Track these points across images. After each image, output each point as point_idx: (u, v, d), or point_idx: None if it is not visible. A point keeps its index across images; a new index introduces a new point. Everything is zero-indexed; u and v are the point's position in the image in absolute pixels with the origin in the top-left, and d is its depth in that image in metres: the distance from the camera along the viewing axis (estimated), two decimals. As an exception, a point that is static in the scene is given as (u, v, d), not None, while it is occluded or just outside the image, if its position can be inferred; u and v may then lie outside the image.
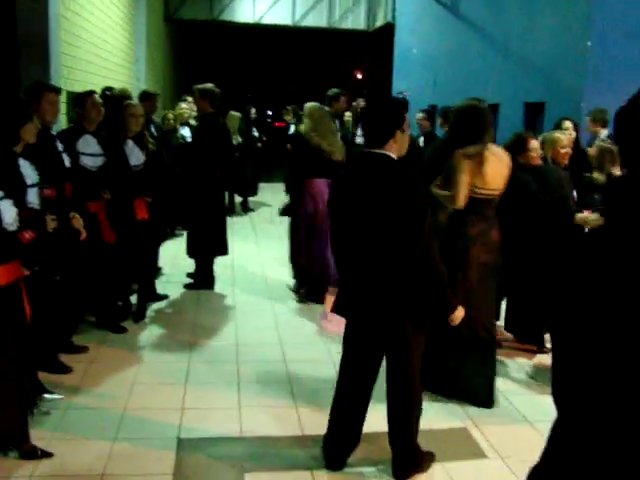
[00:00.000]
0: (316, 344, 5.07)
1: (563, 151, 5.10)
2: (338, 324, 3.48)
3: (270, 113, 26.96)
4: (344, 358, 3.29)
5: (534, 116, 8.28)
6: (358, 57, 28.25)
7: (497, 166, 4.09)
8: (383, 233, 2.99)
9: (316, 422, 3.70)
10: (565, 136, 5.26)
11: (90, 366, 4.47)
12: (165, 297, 6.04)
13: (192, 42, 23.18)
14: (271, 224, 9.96)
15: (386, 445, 3.31)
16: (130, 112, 5.24)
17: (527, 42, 8.37)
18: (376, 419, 3.38)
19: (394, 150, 3.08)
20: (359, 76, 32.22)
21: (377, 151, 3.06)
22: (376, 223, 2.99)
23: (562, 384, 1.42)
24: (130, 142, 5.23)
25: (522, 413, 4.11)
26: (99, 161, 4.90)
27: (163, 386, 4.19)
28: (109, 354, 4.71)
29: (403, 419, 3.24)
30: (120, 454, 3.37)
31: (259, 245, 8.67)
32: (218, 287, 6.45)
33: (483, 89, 9.46)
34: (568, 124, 5.99)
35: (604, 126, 6.35)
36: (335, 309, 3.27)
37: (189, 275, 6.60)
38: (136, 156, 5.25)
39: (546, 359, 5.05)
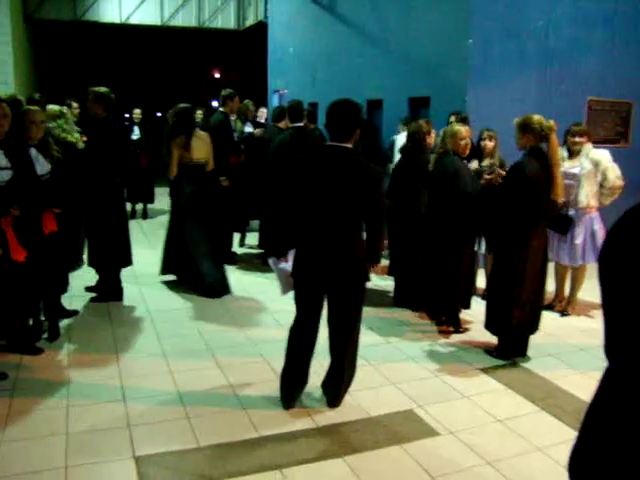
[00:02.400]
0: (245, 346, 5.09)
1: (463, 142, 5.42)
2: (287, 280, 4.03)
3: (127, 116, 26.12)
4: (299, 309, 3.92)
5: (418, 110, 8.68)
6: (228, 56, 28.10)
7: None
8: (351, 206, 3.70)
9: (268, 421, 3.81)
10: (465, 128, 5.58)
11: (13, 395, 4.12)
12: (75, 313, 5.77)
13: (56, 43, 21.99)
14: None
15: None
16: (30, 119, 4.93)
17: (408, 39, 8.71)
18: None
19: (352, 144, 3.78)
20: (232, 75, 31.98)
21: (342, 145, 3.74)
22: (344, 200, 3.68)
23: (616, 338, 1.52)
24: (33, 150, 4.95)
25: (457, 389, 4.38)
26: (6, 175, 4.60)
27: (100, 405, 4.02)
28: (31, 378, 4.40)
29: (352, 351, 4.02)
30: (79, 480, 3.21)
31: (156, 250, 8.48)
32: (126, 297, 6.26)
33: (366, 86, 9.79)
34: (454, 118, 6.38)
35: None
36: (293, 271, 3.89)
37: (89, 289, 6.31)
38: (41, 165, 4.98)
39: (466, 337, 5.41)
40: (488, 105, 7.46)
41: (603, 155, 5.93)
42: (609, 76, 8.39)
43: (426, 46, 8.28)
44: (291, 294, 3.99)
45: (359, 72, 10.01)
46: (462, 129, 5.47)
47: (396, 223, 6.02)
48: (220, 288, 6.49)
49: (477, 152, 6.24)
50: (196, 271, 6.44)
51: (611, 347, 1.52)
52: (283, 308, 5.14)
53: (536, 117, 4.81)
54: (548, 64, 7.89)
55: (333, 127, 3.75)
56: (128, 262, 6.29)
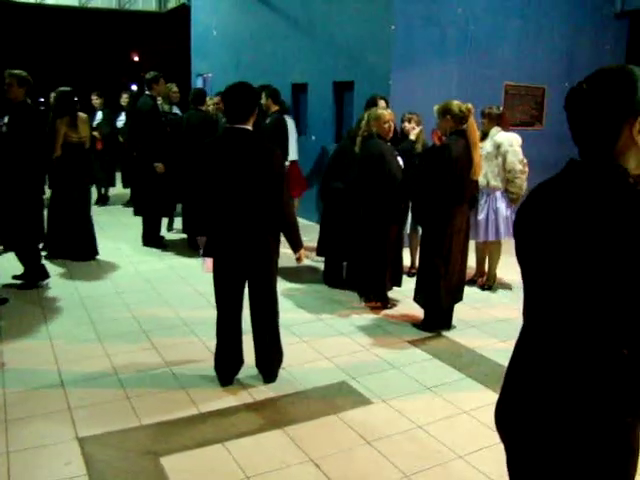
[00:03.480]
0: (179, 328, 5.15)
1: (386, 126, 5.60)
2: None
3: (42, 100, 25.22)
4: (218, 291, 4.04)
5: (342, 94, 8.85)
6: (149, 39, 27.43)
7: None
8: (252, 188, 3.81)
9: (207, 398, 3.92)
10: (388, 112, 5.77)
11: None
12: (5, 301, 5.66)
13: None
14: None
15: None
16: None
17: (333, 24, 8.81)
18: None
19: (251, 125, 3.92)
20: (153, 58, 31.23)
21: (241, 126, 3.87)
22: (246, 181, 3.80)
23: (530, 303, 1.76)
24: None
25: (387, 361, 4.59)
26: None
27: (39, 391, 3.99)
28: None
29: (273, 327, 4.17)
30: (20, 468, 3.18)
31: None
32: (56, 283, 6.19)
33: (291, 70, 9.87)
34: (382, 103, 6.52)
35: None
36: (208, 253, 4.01)
37: (16, 277, 6.19)
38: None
39: (394, 312, 5.64)
40: (411, 89, 7.70)
41: (506, 138, 6.15)
42: (524, 62, 8.80)
43: (350, 31, 8.42)
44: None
45: (284, 56, 10.07)
46: (385, 112, 5.64)
47: (329, 204, 6.20)
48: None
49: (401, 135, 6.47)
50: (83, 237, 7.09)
51: (525, 307, 1.76)
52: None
53: (455, 102, 5.05)
54: (467, 50, 8.20)
55: (230, 110, 3.90)
56: (41, 238, 6.41)
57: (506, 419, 1.80)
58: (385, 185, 5.39)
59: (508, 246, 6.97)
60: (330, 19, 8.88)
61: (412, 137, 6.10)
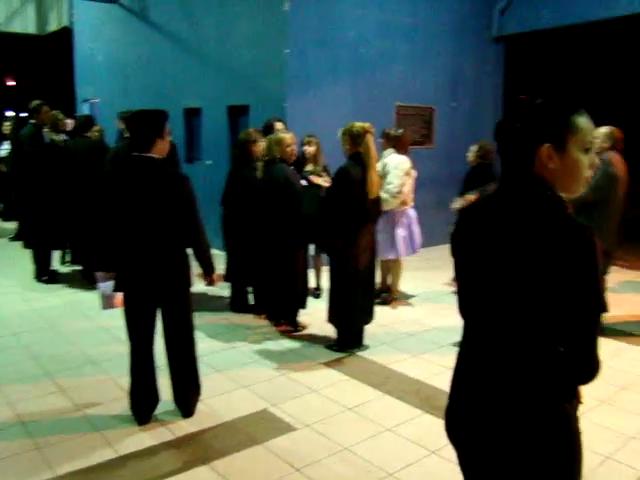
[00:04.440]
0: (86, 366, 4.90)
1: (289, 149, 5.63)
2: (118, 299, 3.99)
3: None
4: (130, 325, 3.86)
5: (238, 118, 8.81)
6: (28, 63, 26.13)
7: None
8: (161, 218, 3.70)
9: (125, 439, 3.76)
10: (289, 135, 5.80)
11: None
12: None
13: None
14: None
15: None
16: None
17: (225, 48, 8.76)
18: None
19: (157, 153, 3.75)
20: (32, 83, 29.77)
21: (146, 155, 3.72)
22: (152, 213, 3.69)
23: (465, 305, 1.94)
24: None
25: (305, 384, 4.57)
26: None
27: None
28: None
29: (190, 360, 4.05)
30: None
31: None
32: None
33: (183, 94, 9.73)
34: (280, 125, 6.56)
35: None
36: (118, 287, 3.84)
37: None
38: None
39: (306, 335, 5.63)
40: (307, 112, 7.80)
41: (392, 159, 6.33)
42: (413, 84, 9.14)
43: (244, 55, 8.42)
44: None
45: (175, 80, 9.92)
46: (287, 136, 5.67)
47: (230, 230, 6.13)
48: None
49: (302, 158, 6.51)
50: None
51: (461, 306, 1.95)
52: (119, 324, 4.96)
53: (357, 124, 5.14)
54: (360, 72, 8.41)
55: (133, 138, 3.81)
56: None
57: (455, 424, 1.91)
58: (292, 210, 5.40)
59: (409, 262, 7.20)
60: (222, 42, 8.85)
61: (309, 168, 6.24)
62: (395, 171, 6.25)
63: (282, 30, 7.71)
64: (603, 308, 1.63)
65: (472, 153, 6.96)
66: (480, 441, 1.80)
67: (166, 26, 10.09)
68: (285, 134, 5.75)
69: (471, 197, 6.68)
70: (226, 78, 8.82)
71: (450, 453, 3.54)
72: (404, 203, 6.46)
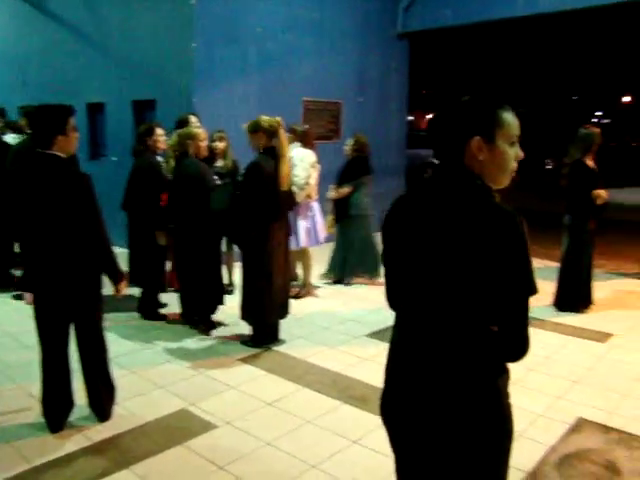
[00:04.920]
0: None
1: (203, 144, 5.59)
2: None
3: None
4: (41, 330, 3.71)
5: (144, 113, 8.61)
6: None
7: None
8: (64, 218, 3.55)
9: (39, 449, 3.63)
10: (202, 130, 5.75)
11: None
12: None
13: None
14: None
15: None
16: None
17: (130, 41, 8.53)
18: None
19: (59, 150, 3.59)
20: None
21: (48, 152, 3.57)
22: (52, 213, 3.53)
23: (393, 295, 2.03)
24: None
25: (223, 382, 4.56)
26: None
27: None
28: None
29: (102, 363, 3.93)
30: None
31: None
32: None
33: (85, 88, 9.40)
34: (194, 119, 6.48)
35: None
36: (23, 287, 3.79)
37: None
38: None
39: (221, 332, 5.61)
40: (215, 107, 7.73)
41: (298, 153, 6.42)
42: (320, 79, 9.24)
43: (149, 48, 8.24)
44: None
45: (77, 74, 9.56)
46: (200, 131, 5.63)
47: (134, 231, 5.97)
48: None
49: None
50: None
51: (390, 294, 2.03)
52: (25, 329, 4.79)
53: (263, 117, 5.16)
54: (268, 67, 8.43)
55: (34, 134, 3.72)
56: None
57: (391, 408, 1.97)
58: (206, 205, 5.35)
59: (316, 254, 7.30)
60: (126, 34, 8.62)
61: (220, 164, 6.22)
62: (301, 164, 6.36)
63: (189, 23, 7.61)
64: (533, 290, 1.73)
65: (348, 147, 7.17)
66: (417, 422, 1.87)
67: (65, 17, 9.70)
68: (198, 129, 5.70)
69: (345, 190, 6.91)
70: (131, 72, 8.59)
71: (371, 442, 3.68)
72: (309, 196, 6.59)
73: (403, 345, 1.93)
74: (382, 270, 2.06)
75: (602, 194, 6.23)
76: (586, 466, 3.57)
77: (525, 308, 1.74)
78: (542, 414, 4.13)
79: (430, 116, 1.96)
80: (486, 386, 1.80)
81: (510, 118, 1.82)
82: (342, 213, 7.08)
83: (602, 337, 5.74)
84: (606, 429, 4.02)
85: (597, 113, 50.49)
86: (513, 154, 1.84)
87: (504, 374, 1.85)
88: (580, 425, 4.05)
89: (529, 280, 1.71)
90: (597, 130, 6.38)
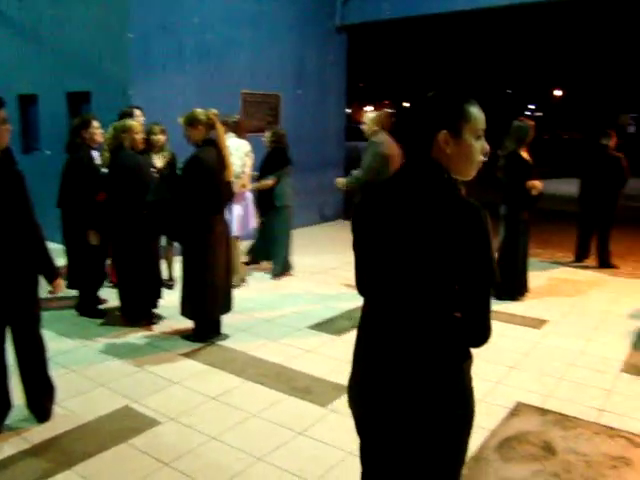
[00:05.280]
0: None
1: (138, 137, 5.50)
2: None
3: None
4: None
5: (79, 105, 8.38)
6: None
7: None
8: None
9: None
10: (138, 122, 5.66)
11: None
12: None
13: None
14: None
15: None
16: None
17: (62, 30, 8.24)
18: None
19: None
20: None
21: None
22: None
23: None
24: None
25: (166, 377, 4.51)
26: None
27: None
28: None
29: (40, 363, 3.82)
30: None
31: None
32: None
33: (16, 80, 9.07)
34: (138, 112, 6.41)
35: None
36: None
37: None
38: None
39: (162, 328, 5.54)
40: (152, 99, 7.58)
41: (233, 143, 6.45)
42: (259, 71, 9.19)
43: (84, 39, 8.00)
44: None
45: (6, 64, 9.22)
46: (135, 123, 5.55)
47: (69, 229, 5.80)
48: None
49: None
50: None
51: (359, 281, 2.08)
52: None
53: (199, 110, 5.12)
54: (205, 59, 8.32)
55: None
56: None
57: (357, 392, 2.04)
58: (143, 199, 5.26)
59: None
60: (59, 25, 8.34)
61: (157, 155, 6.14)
62: (236, 153, 6.41)
63: (124, 13, 7.43)
64: (495, 279, 1.80)
65: (267, 139, 7.23)
66: (383, 406, 1.92)
67: (-6, 6, 9.34)
68: (133, 121, 5.61)
69: (269, 182, 6.95)
70: (65, 63, 8.34)
71: (316, 432, 3.72)
72: (243, 185, 6.66)
73: (371, 331, 1.99)
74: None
75: (537, 185, 6.43)
76: (525, 447, 3.71)
77: (487, 296, 1.83)
78: (482, 399, 4.25)
79: (368, 108, 2.01)
80: (451, 370, 1.88)
81: (476, 112, 1.87)
82: (267, 205, 7.09)
83: (538, 324, 5.94)
84: (543, 411, 4.17)
85: (530, 106, 51.94)
86: (479, 147, 1.90)
87: (468, 359, 1.94)
88: (518, 409, 4.19)
89: (491, 270, 1.78)
90: (531, 122, 6.57)
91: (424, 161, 1.87)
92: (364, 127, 6.41)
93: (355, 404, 2.06)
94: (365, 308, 2.05)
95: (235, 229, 6.61)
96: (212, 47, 8.39)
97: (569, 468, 3.51)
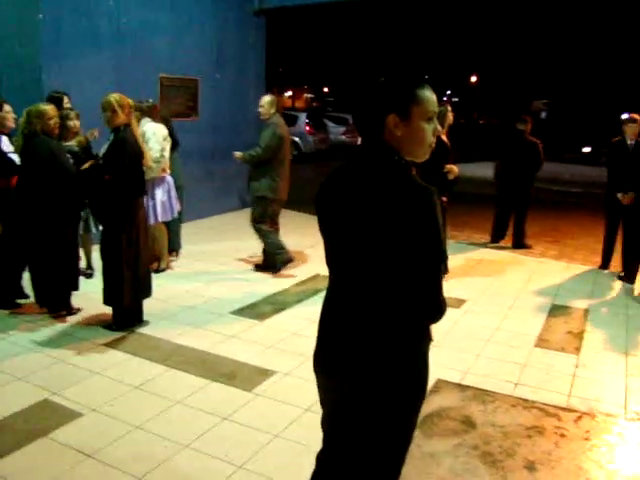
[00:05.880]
0: None
1: (52, 122, 5.31)
2: None
3: None
4: None
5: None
6: None
7: None
8: None
9: None
10: (51, 107, 5.44)
11: None
12: None
13: None
14: None
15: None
16: None
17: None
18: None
19: None
20: None
21: None
22: None
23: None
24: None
25: (86, 368, 4.41)
26: None
27: None
28: None
29: None
30: None
31: None
32: None
33: None
34: (67, 98, 6.30)
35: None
36: None
37: None
38: None
39: (81, 317, 5.40)
40: (65, 84, 7.26)
41: (150, 128, 6.44)
42: (177, 55, 9.00)
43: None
44: None
45: None
46: (49, 108, 5.34)
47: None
48: None
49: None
50: None
51: (327, 259, 2.14)
52: None
53: (115, 95, 5.03)
54: (121, 43, 8.07)
55: None
56: None
57: (321, 361, 2.13)
58: (60, 185, 5.11)
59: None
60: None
61: (73, 142, 5.96)
62: (154, 137, 6.40)
63: (33, -6, 7.12)
64: (443, 257, 1.89)
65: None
66: (344, 374, 2.02)
67: None
68: (46, 105, 5.41)
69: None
70: (-32, 44, 7.92)
71: (240, 417, 3.73)
72: (164, 169, 6.61)
73: (334, 305, 2.10)
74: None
75: (454, 169, 6.61)
76: (445, 422, 3.85)
77: (437, 273, 1.90)
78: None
79: (288, 93, 2.08)
80: (408, 346, 1.99)
81: (426, 95, 1.93)
82: None
83: (457, 303, 6.14)
84: (462, 387, 4.33)
85: (447, 92, 53.13)
86: (431, 129, 1.96)
87: (425, 339, 2.05)
88: (439, 386, 4.33)
89: (440, 248, 1.86)
90: (449, 107, 6.74)
91: (375, 144, 1.94)
92: (261, 110, 6.82)
93: (319, 373, 2.16)
94: (330, 282, 2.13)
95: (160, 214, 6.57)
96: (128, 31, 8.14)
97: (488, 440, 3.67)
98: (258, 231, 6.95)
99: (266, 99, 6.83)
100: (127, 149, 4.94)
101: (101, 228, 5.33)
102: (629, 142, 7.23)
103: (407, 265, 1.86)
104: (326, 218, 2.07)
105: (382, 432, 2.02)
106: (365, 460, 2.07)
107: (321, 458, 2.29)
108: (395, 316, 1.94)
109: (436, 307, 1.92)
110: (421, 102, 1.92)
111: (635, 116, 7.30)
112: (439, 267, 1.90)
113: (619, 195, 7.21)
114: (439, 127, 2.01)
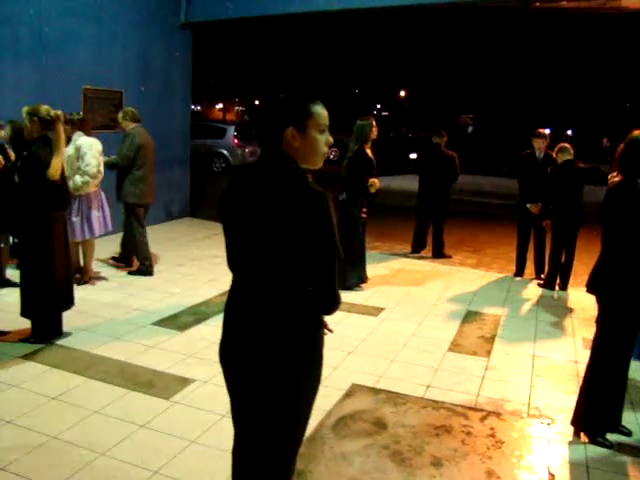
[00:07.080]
0: None
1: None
2: None
3: None
4: None
5: None
6: None
7: None
8: None
9: None
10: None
11: None
12: None
13: None
14: None
15: None
16: None
17: None
18: None
19: None
20: None
21: None
22: None
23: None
24: None
25: (3, 381, 4.35)
26: None
27: None
28: None
29: None
30: None
31: None
32: None
33: None
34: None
35: None
36: None
37: None
38: None
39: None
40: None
41: (86, 142, 6.47)
42: (101, 66, 8.97)
43: None
44: None
45: None
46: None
47: None
48: None
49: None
50: None
51: (228, 259, 2.33)
52: None
53: (44, 106, 5.02)
54: (43, 53, 7.99)
55: None
56: None
57: (227, 353, 2.30)
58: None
59: (101, 246, 7.16)
60: None
61: None
62: (90, 152, 6.42)
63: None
64: (339, 255, 2.08)
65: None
66: (246, 365, 2.20)
67: None
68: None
69: None
70: None
71: (158, 424, 3.81)
72: (96, 185, 6.62)
73: (237, 302, 2.25)
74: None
75: (376, 182, 6.84)
76: (358, 424, 4.01)
77: (333, 270, 2.10)
78: (321, 384, 4.50)
79: (219, 106, 2.28)
80: (306, 337, 2.18)
81: (319, 110, 2.14)
82: None
83: (375, 311, 6.35)
84: (375, 391, 4.51)
85: (377, 106, 54.00)
86: (324, 140, 2.17)
87: (320, 328, 2.27)
88: (353, 390, 4.50)
89: (335, 248, 2.06)
90: (373, 121, 6.93)
91: (275, 154, 2.13)
92: (119, 120, 7.29)
93: (224, 364, 2.33)
94: (233, 281, 2.29)
95: (95, 230, 6.63)
96: (50, 41, 8.08)
97: (398, 439, 3.85)
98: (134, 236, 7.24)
99: (119, 113, 7.36)
100: (36, 162, 4.89)
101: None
102: (538, 155, 7.66)
103: (304, 263, 2.06)
104: (229, 221, 2.23)
105: (288, 414, 2.22)
106: (270, 445, 2.25)
107: (234, 452, 2.43)
108: (294, 309, 2.13)
109: (332, 301, 2.15)
110: (315, 116, 2.13)
111: (542, 131, 7.75)
112: (334, 265, 2.09)
113: (528, 205, 7.63)
114: (330, 138, 2.22)
